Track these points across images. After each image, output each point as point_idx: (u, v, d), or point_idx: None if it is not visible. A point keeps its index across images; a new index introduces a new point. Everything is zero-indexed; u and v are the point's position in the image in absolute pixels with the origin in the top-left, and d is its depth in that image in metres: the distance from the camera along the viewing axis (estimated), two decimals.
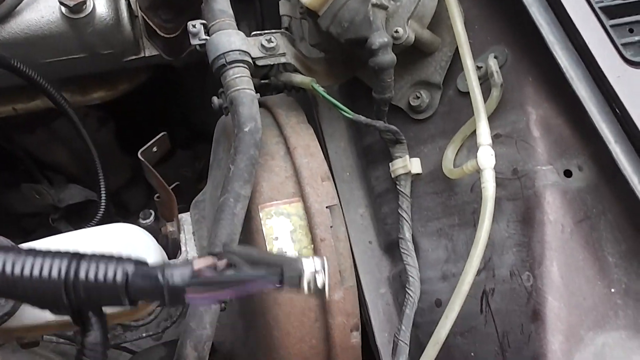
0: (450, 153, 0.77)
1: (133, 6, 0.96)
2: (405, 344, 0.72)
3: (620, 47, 0.68)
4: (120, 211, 1.45)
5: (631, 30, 0.70)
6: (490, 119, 0.75)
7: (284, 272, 0.47)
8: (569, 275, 0.67)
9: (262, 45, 0.79)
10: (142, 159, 0.85)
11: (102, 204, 1.10)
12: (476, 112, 0.71)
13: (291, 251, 0.73)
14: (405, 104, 0.83)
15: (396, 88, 0.83)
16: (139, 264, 0.49)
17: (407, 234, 0.79)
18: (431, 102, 0.81)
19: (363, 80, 0.84)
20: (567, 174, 0.70)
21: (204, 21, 0.79)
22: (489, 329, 0.70)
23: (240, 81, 0.75)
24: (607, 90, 0.67)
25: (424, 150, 0.82)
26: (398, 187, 0.81)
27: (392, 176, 0.81)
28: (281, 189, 0.76)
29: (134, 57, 1.02)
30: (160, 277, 0.47)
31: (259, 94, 0.78)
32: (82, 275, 0.47)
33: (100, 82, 1.08)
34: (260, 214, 0.74)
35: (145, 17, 0.95)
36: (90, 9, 0.89)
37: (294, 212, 0.75)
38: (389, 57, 0.72)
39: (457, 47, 0.77)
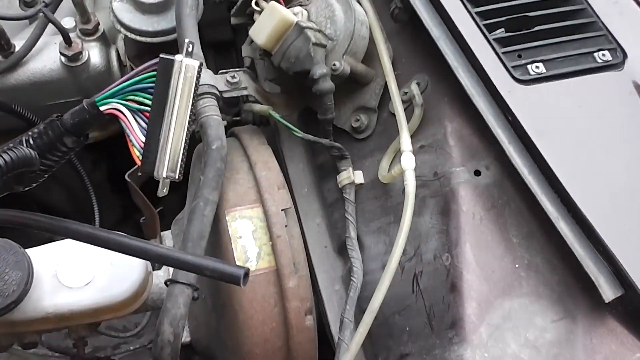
0: (384, 163, 0.92)
1: (122, 56, 1.13)
2: (350, 321, 0.84)
3: (511, 69, 0.85)
4: None
5: (519, 56, 0.86)
6: (415, 133, 0.91)
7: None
8: (480, 253, 0.80)
9: (227, 81, 0.95)
10: (129, 181, 1.00)
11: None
12: (399, 127, 0.87)
13: (253, 247, 0.87)
14: (348, 127, 0.99)
15: (340, 113, 0.99)
16: None
17: (353, 233, 0.93)
18: (369, 124, 0.98)
19: (313, 107, 1.00)
20: (477, 173, 0.85)
21: None
22: (419, 305, 0.83)
23: (209, 109, 0.90)
24: (501, 103, 0.83)
25: (365, 163, 0.97)
26: (345, 195, 0.95)
27: (339, 186, 0.96)
28: (244, 197, 0.90)
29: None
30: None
31: (225, 122, 0.94)
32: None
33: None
34: (227, 217, 0.88)
35: (132, 65, 1.12)
36: (85, 59, 1.06)
37: (255, 215, 0.89)
38: (328, 84, 0.89)
39: None
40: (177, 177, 0.74)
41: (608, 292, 0.74)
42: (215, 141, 0.87)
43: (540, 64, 0.86)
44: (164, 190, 0.77)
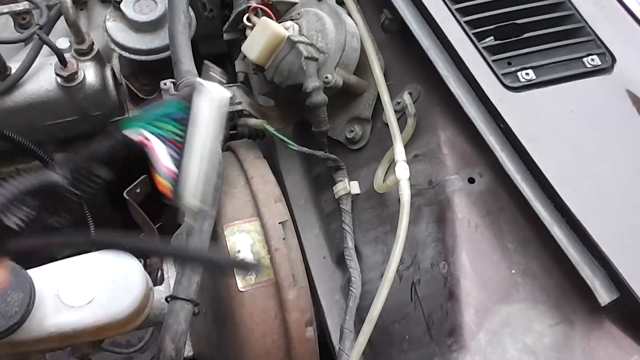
0: (380, 173, 0.93)
1: (117, 74, 1.14)
2: (350, 331, 0.85)
3: (501, 77, 0.86)
4: None
5: (509, 63, 0.87)
6: (409, 142, 0.92)
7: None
8: (476, 260, 0.81)
9: None
10: (128, 198, 1.01)
11: None
12: (392, 137, 0.88)
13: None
14: (343, 138, 1.00)
15: (334, 124, 1.00)
16: None
17: (350, 244, 0.94)
18: (364, 134, 0.99)
19: (308, 119, 1.01)
20: (471, 180, 0.86)
21: (173, 80, 0.97)
22: (418, 313, 0.84)
23: None
24: (492, 110, 0.84)
25: (361, 173, 0.98)
26: (341, 205, 0.96)
27: (336, 197, 0.97)
28: (242, 211, 0.91)
29: (119, 118, 1.19)
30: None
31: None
32: None
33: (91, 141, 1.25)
34: (225, 232, 0.89)
35: (127, 82, 1.14)
36: (81, 78, 1.07)
37: (253, 228, 0.90)
38: (321, 97, 0.90)
39: None
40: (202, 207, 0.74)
41: (604, 295, 0.74)
42: None
43: (530, 71, 0.87)
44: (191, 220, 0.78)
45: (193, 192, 0.67)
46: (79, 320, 0.84)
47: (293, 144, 0.94)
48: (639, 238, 0.76)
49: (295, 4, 1.02)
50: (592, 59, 0.89)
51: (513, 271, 0.81)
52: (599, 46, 0.90)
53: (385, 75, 0.96)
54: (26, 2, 1.13)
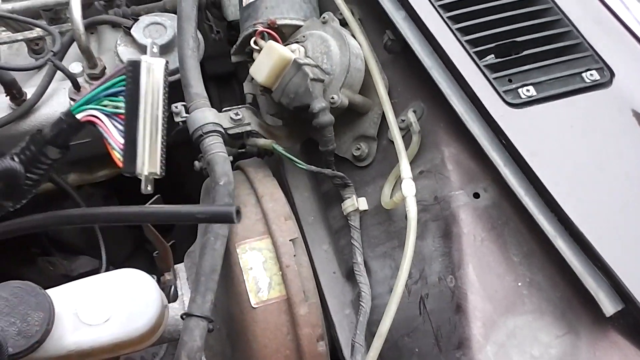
0: (386, 190, 0.95)
1: None
2: (361, 345, 0.87)
3: (502, 94, 0.88)
4: None
5: (510, 80, 0.90)
6: (414, 159, 0.94)
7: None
8: (483, 274, 0.83)
9: (231, 118, 0.99)
10: None
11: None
12: (398, 154, 0.90)
13: (264, 278, 0.90)
14: (350, 155, 1.03)
15: (341, 142, 1.03)
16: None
17: (359, 259, 0.96)
18: (370, 152, 1.01)
19: (315, 138, 1.04)
20: (476, 195, 0.88)
21: (184, 103, 0.99)
22: (427, 327, 0.86)
23: (215, 146, 0.94)
24: (494, 127, 0.86)
25: (368, 190, 1.01)
26: (350, 222, 0.98)
27: (344, 214, 1.00)
28: (253, 229, 0.93)
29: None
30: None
31: (231, 156, 0.97)
32: None
33: (103, 161, 1.28)
34: (237, 250, 0.92)
35: None
36: None
37: (264, 246, 0.92)
38: (327, 117, 0.93)
39: None
40: (159, 173, 0.77)
41: (608, 306, 0.76)
42: (222, 177, 0.90)
43: (530, 87, 0.89)
44: (148, 188, 0.79)
45: (142, 159, 0.70)
46: (97, 338, 0.87)
47: (301, 162, 0.97)
48: None
49: (300, 27, 1.05)
50: (591, 74, 0.91)
51: (519, 283, 0.83)
52: (597, 61, 0.92)
53: (389, 94, 0.98)
54: (39, 29, 1.16)
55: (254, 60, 1.00)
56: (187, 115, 0.97)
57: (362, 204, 0.98)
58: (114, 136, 0.74)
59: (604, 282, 0.77)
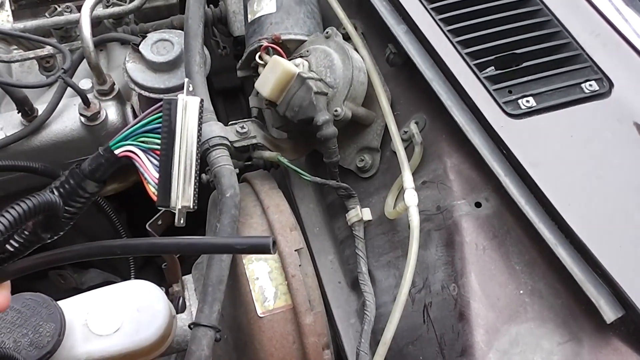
0: (390, 200, 0.97)
1: (137, 111, 1.20)
2: (366, 353, 0.88)
3: (502, 105, 0.90)
4: None
5: (510, 91, 0.91)
6: (417, 170, 0.96)
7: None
8: (485, 282, 0.84)
9: (237, 131, 1.01)
10: (150, 230, 1.06)
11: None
12: (401, 165, 0.92)
13: (270, 287, 0.92)
14: (354, 167, 1.05)
15: (345, 154, 1.05)
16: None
17: (364, 268, 0.97)
18: (374, 163, 1.03)
19: (319, 150, 1.06)
20: (478, 205, 0.89)
21: None
22: (431, 335, 0.87)
23: (221, 159, 0.96)
24: (495, 137, 0.88)
25: (372, 201, 1.02)
26: (354, 232, 1.00)
27: (349, 224, 1.01)
28: None
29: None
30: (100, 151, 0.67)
31: (238, 169, 1.00)
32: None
33: (113, 175, 1.30)
34: (244, 261, 0.93)
35: None
36: (103, 117, 1.13)
37: (270, 257, 0.94)
38: (331, 130, 0.95)
39: None
40: (192, 207, 0.79)
41: (609, 313, 0.77)
42: (229, 189, 0.92)
43: (530, 98, 0.91)
44: (181, 222, 0.82)
45: (176, 193, 0.72)
46: (107, 349, 0.88)
47: (306, 174, 0.99)
48: None
49: (304, 41, 1.07)
50: (590, 85, 0.93)
51: (521, 291, 0.84)
52: (596, 72, 0.94)
53: (392, 106, 1.00)
54: (50, 47, 1.19)
55: (259, 75, 1.02)
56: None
57: (366, 214, 1.00)
58: (150, 171, 0.77)
59: (605, 289, 0.78)
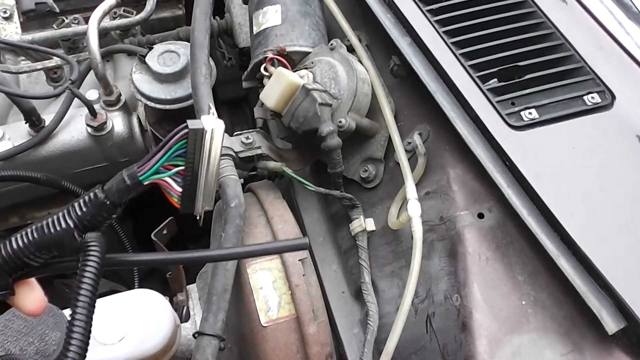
0: (393, 210, 0.97)
1: (143, 122, 1.21)
2: None
3: (505, 117, 0.90)
4: None
5: (513, 103, 0.92)
6: (420, 180, 0.96)
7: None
8: (488, 292, 0.85)
9: (242, 142, 1.02)
10: (155, 240, 1.07)
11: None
12: (404, 176, 0.93)
13: (273, 297, 0.93)
14: (357, 177, 1.06)
15: (349, 165, 1.06)
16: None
17: (367, 278, 0.98)
18: (377, 174, 1.04)
19: (323, 161, 1.07)
20: (480, 216, 0.90)
21: None
22: (434, 345, 0.87)
23: (226, 169, 0.97)
24: (497, 149, 0.89)
25: (375, 211, 1.03)
26: (358, 242, 1.01)
27: (352, 234, 1.02)
28: None
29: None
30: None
31: (242, 179, 1.00)
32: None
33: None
34: (248, 270, 0.94)
35: (152, 129, 1.20)
36: (110, 128, 1.14)
37: (274, 266, 0.95)
38: (335, 141, 0.96)
39: None
40: (213, 208, 0.80)
41: (611, 324, 0.77)
42: (234, 200, 0.93)
43: (532, 110, 0.92)
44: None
45: (200, 203, 0.74)
46: (112, 357, 0.89)
47: (310, 184, 0.99)
48: None
49: (309, 53, 1.08)
50: (592, 97, 0.93)
51: (523, 302, 0.84)
52: (598, 84, 0.95)
53: (395, 117, 1.01)
54: (58, 59, 1.21)
55: (264, 86, 1.03)
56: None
57: (370, 224, 1.01)
58: (174, 188, 0.77)
59: (607, 301, 0.78)
